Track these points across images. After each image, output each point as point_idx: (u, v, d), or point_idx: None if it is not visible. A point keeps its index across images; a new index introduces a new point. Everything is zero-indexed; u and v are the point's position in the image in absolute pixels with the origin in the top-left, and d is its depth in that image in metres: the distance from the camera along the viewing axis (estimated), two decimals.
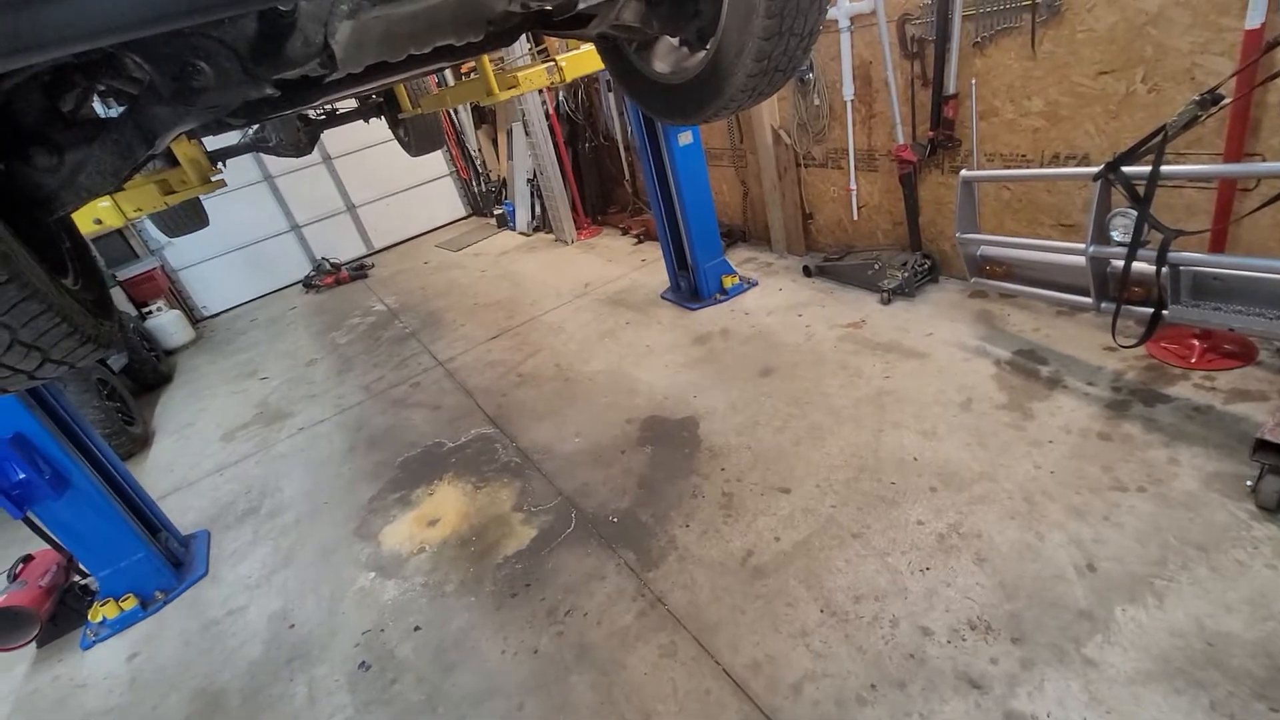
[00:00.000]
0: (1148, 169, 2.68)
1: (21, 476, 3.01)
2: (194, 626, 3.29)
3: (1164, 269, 2.65)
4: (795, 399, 3.75)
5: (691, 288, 5.28)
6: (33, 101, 1.46)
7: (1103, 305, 3.04)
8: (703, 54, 2.11)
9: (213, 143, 4.92)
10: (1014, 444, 3.01)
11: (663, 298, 5.58)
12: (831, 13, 4.12)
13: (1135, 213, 2.74)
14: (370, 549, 3.49)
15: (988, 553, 2.51)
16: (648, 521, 3.15)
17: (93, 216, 2.70)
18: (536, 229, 8.76)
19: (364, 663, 2.79)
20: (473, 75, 3.81)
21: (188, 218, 5.18)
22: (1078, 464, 2.80)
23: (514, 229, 9.16)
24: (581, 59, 3.60)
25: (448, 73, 7.46)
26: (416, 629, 2.89)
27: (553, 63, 3.52)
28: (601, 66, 3.85)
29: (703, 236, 5.03)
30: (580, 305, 5.95)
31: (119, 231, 8.10)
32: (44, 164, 1.45)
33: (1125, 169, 2.74)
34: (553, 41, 6.56)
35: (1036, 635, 2.18)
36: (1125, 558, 2.35)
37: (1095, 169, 2.87)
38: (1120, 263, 2.90)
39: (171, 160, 3.43)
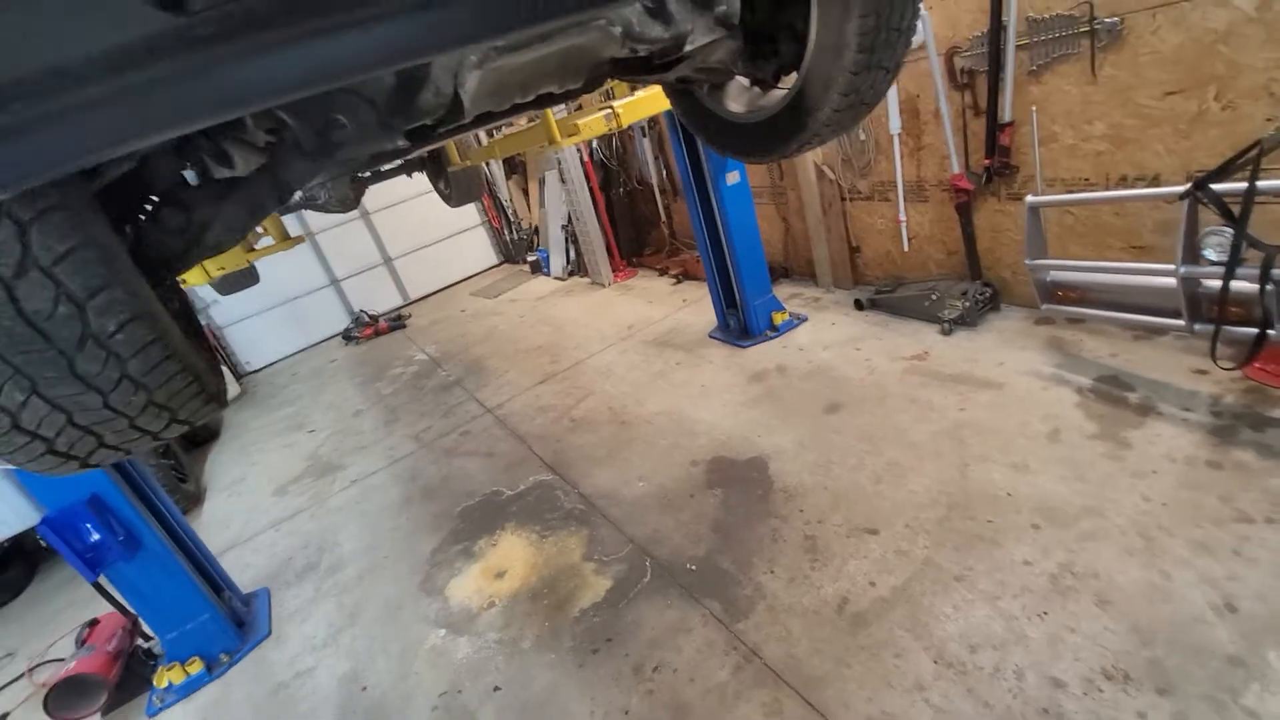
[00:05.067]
0: (1238, 185, 2.62)
1: (96, 538, 3.00)
2: (261, 691, 3.19)
3: (1269, 286, 2.55)
4: (867, 435, 3.63)
5: (741, 325, 5.23)
6: (165, 164, 1.48)
7: (1196, 327, 2.92)
8: (782, 92, 2.11)
9: None
10: (1115, 476, 2.85)
11: (711, 337, 5.53)
12: None
13: (1229, 230, 2.65)
14: (438, 604, 3.39)
15: (1110, 594, 2.35)
16: (729, 569, 3.02)
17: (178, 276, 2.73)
18: (571, 273, 8.84)
19: None
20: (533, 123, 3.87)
21: (242, 276, 5.30)
22: (1191, 495, 2.64)
23: (548, 274, 9.26)
24: (637, 105, 3.64)
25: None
26: (496, 689, 2.76)
27: (610, 110, 3.57)
28: (654, 112, 3.91)
29: (752, 273, 5.01)
30: (626, 347, 5.92)
31: None
32: (174, 225, 1.45)
33: (1214, 186, 2.67)
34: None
35: (1185, 685, 2.00)
36: (1269, 596, 2.17)
37: (1179, 189, 2.80)
38: (1213, 282, 2.81)
39: None
